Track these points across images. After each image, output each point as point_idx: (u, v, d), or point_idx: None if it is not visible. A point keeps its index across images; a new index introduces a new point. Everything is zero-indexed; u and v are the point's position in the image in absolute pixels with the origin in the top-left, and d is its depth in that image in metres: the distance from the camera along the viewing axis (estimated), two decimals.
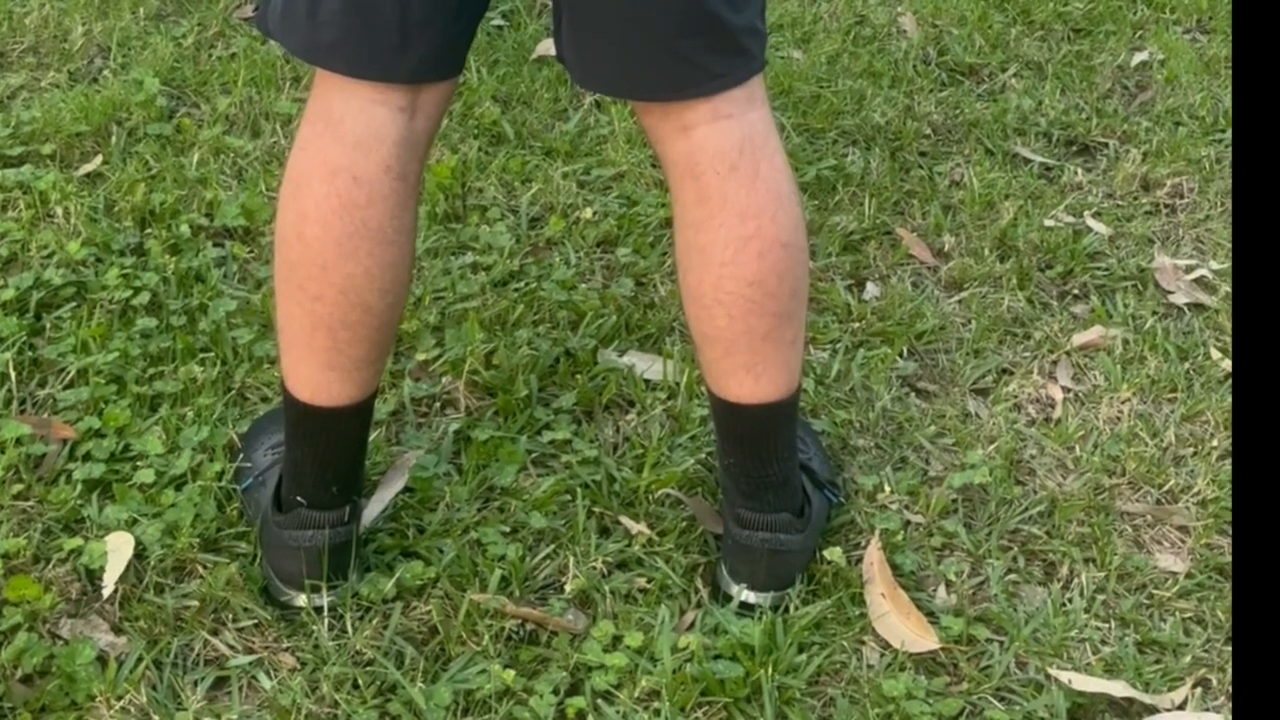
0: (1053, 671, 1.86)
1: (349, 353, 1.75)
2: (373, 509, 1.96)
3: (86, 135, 2.74)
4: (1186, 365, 2.42)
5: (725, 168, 1.72)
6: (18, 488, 1.98)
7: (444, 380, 2.24)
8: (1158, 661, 1.90)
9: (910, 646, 1.87)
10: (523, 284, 2.45)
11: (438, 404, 2.21)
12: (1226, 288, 2.62)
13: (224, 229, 2.54)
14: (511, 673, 1.77)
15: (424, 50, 1.66)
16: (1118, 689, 1.84)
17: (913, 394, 2.33)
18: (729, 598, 1.90)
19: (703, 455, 2.12)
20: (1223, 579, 2.04)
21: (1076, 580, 2.01)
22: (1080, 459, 2.22)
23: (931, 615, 1.92)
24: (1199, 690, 1.86)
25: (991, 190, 2.82)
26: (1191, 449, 2.25)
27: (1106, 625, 1.95)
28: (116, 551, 1.89)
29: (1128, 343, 2.46)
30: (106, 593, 1.85)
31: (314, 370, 1.77)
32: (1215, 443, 2.26)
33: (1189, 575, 2.03)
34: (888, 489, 2.11)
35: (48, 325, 2.27)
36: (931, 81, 3.21)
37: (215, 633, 1.83)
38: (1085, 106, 3.17)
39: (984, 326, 2.47)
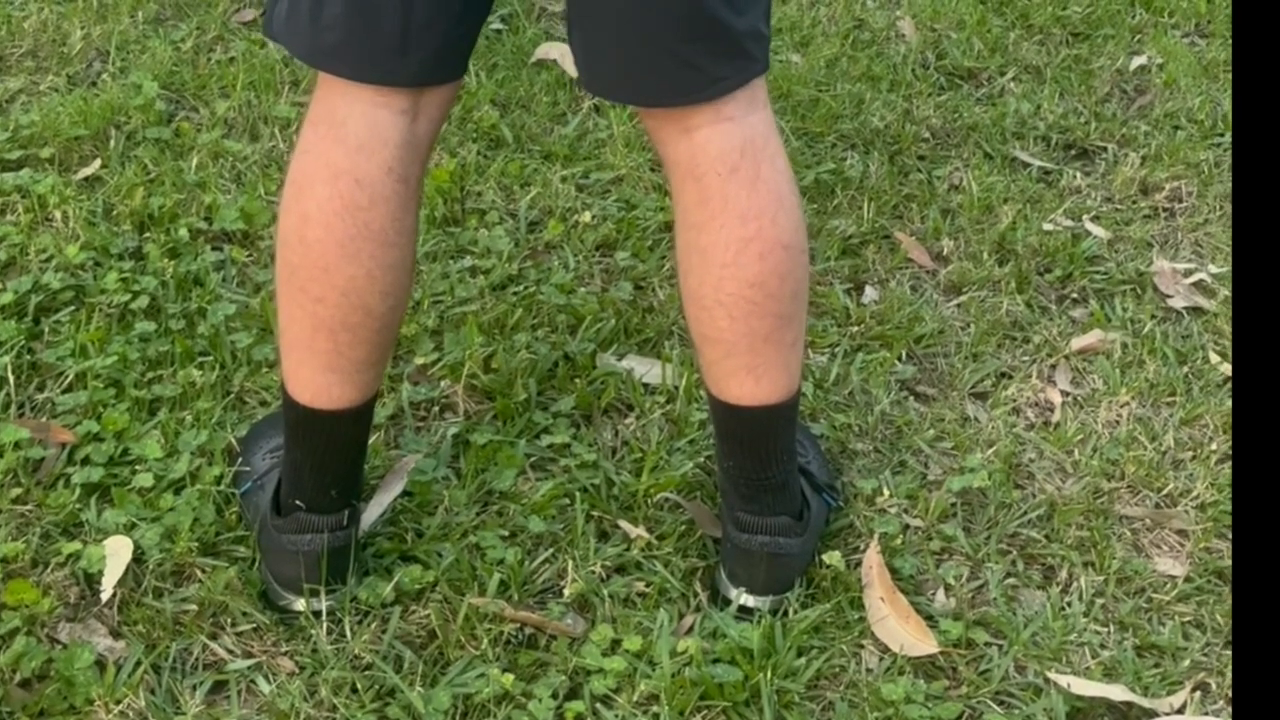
0: (1052, 675, 1.86)
1: (350, 355, 1.75)
2: (371, 513, 1.96)
3: (85, 139, 2.74)
4: (1185, 369, 2.42)
5: (726, 169, 1.72)
6: (16, 491, 1.98)
7: (443, 384, 2.24)
8: (1157, 665, 1.90)
9: (909, 650, 1.87)
10: (521, 288, 2.45)
11: (436, 408, 2.21)
12: (1225, 291, 2.62)
13: (223, 233, 2.54)
14: (510, 677, 1.77)
15: (426, 53, 1.67)
16: (1117, 693, 1.84)
17: (911, 398, 2.33)
18: (728, 601, 1.90)
19: (701, 459, 2.12)
20: (1221, 583, 2.04)
21: (1075, 584, 2.01)
22: (1079, 463, 2.22)
23: (930, 619, 1.92)
24: (1198, 694, 1.86)
25: (990, 194, 2.82)
26: (1190, 453, 2.25)
27: (1105, 629, 1.95)
28: (115, 555, 1.89)
29: (1126, 346, 2.46)
30: (105, 597, 1.85)
31: (315, 373, 1.77)
32: (1214, 446, 2.26)
33: (1188, 579, 2.03)
34: (887, 493, 2.11)
35: (46, 329, 2.27)
36: (930, 85, 3.21)
37: (214, 637, 1.83)
38: (1084, 110, 3.17)
39: (983, 330, 2.47)
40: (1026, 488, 2.18)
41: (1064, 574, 2.03)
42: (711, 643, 1.84)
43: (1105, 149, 3.05)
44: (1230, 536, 2.10)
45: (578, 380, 2.26)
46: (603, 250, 2.59)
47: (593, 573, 1.94)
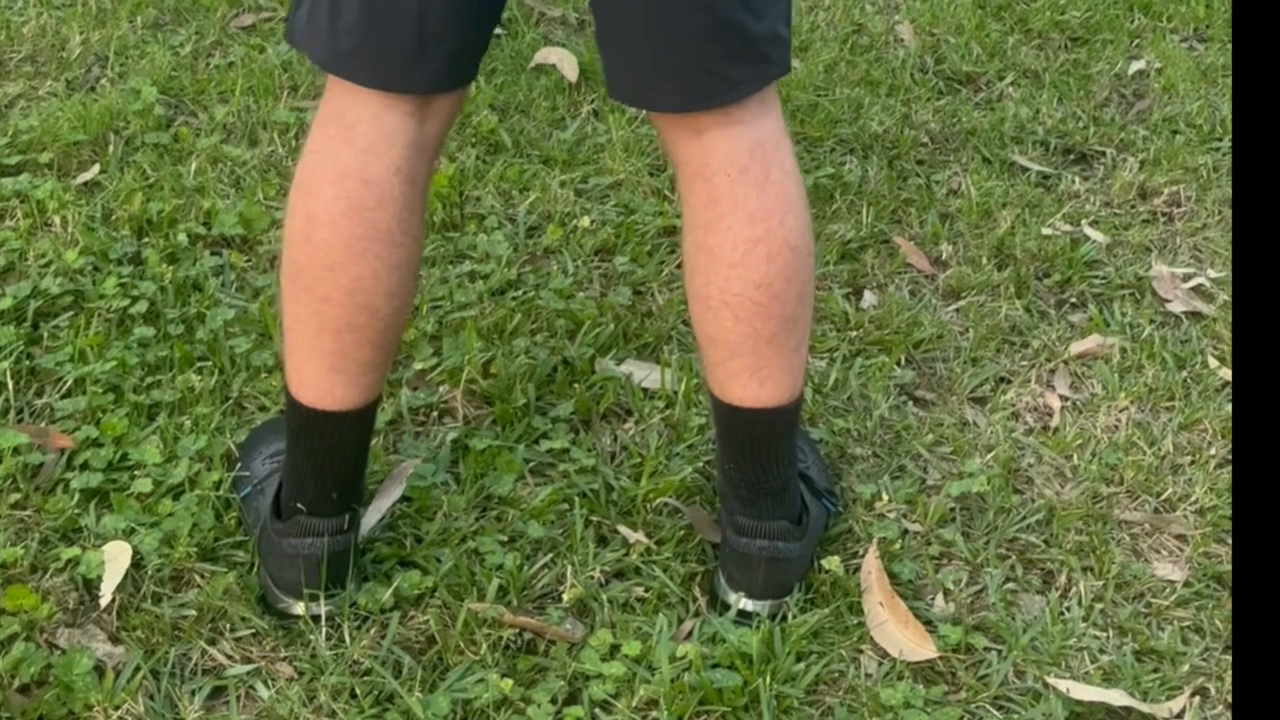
0: (1051, 680, 1.86)
1: (354, 356, 1.76)
2: (370, 518, 1.96)
3: (84, 144, 2.74)
4: (1184, 374, 2.42)
5: (736, 170, 1.73)
6: (15, 497, 1.98)
7: (441, 389, 2.24)
8: (1156, 670, 1.90)
9: (908, 655, 1.87)
10: (520, 293, 2.45)
11: (435, 413, 2.21)
12: (1224, 296, 2.62)
13: (221, 238, 2.54)
14: (509, 682, 1.77)
15: (441, 60, 1.68)
16: (1116, 698, 1.84)
17: (910, 402, 2.33)
18: (726, 606, 1.90)
19: (700, 464, 2.12)
20: (1220, 587, 2.04)
21: (1074, 589, 2.01)
22: (1078, 467, 2.22)
23: (929, 624, 1.92)
24: (1197, 699, 1.86)
25: (989, 199, 2.82)
26: (1189, 457, 2.25)
27: (1104, 634, 1.95)
28: (114, 561, 1.89)
29: (1125, 351, 2.46)
30: (104, 602, 1.85)
31: (319, 374, 1.77)
32: (1213, 451, 2.26)
33: (1187, 584, 2.03)
34: (885, 497, 2.11)
35: (45, 334, 2.27)
36: (929, 90, 3.21)
37: (213, 642, 1.83)
38: (1083, 115, 3.17)
39: (982, 335, 2.47)
40: (1025, 492, 2.18)
41: (1063, 579, 2.03)
42: (710, 648, 1.84)
43: (1104, 154, 3.05)
44: (1229, 541, 2.10)
45: (577, 385, 2.26)
46: (601, 255, 2.59)
47: (592, 578, 1.94)
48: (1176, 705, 1.84)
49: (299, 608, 1.84)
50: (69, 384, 2.17)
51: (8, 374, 2.16)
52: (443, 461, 2.10)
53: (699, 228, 1.78)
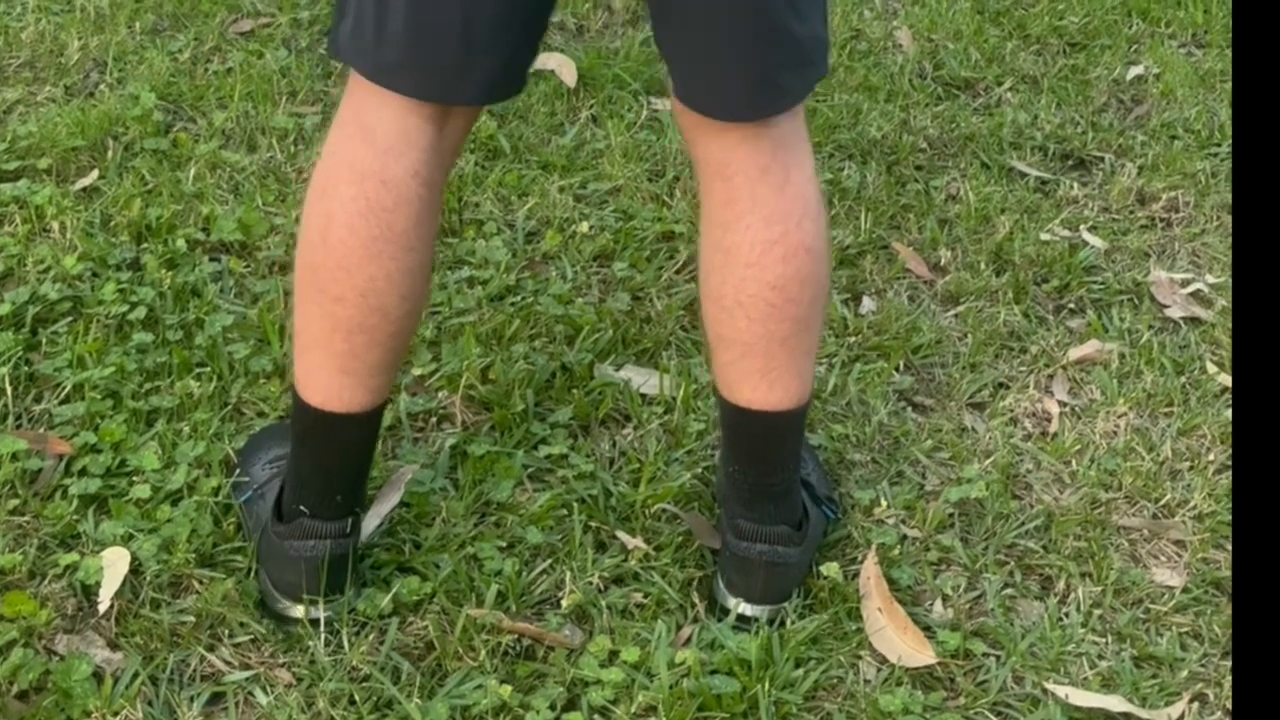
0: (1049, 686, 1.86)
1: (364, 358, 1.76)
2: (369, 524, 1.96)
3: (83, 150, 2.74)
4: (1183, 379, 2.42)
5: (756, 171, 1.73)
6: (13, 503, 1.98)
7: (440, 395, 2.24)
8: (1154, 676, 1.90)
9: (907, 661, 1.87)
10: (519, 298, 2.45)
11: (434, 419, 2.21)
12: (1222, 302, 2.62)
13: (220, 244, 2.54)
14: (508, 688, 1.77)
15: (487, 73, 1.68)
16: (1115, 704, 1.84)
17: (909, 408, 2.33)
18: (726, 610, 1.90)
19: (699, 470, 2.12)
20: (1219, 593, 2.04)
21: (1073, 595, 2.01)
22: (1077, 473, 2.22)
23: (928, 630, 1.92)
24: (1196, 705, 1.86)
25: (987, 204, 2.83)
26: (1188, 463, 2.25)
27: (1103, 640, 1.95)
28: (112, 567, 1.89)
29: (1124, 357, 2.46)
30: (102, 608, 1.85)
31: (329, 375, 1.77)
32: (1211, 457, 2.26)
33: (1185, 590, 2.03)
34: (884, 503, 2.11)
35: (44, 340, 2.27)
36: (927, 96, 3.21)
37: (211, 648, 1.83)
38: (1081, 120, 3.17)
39: (980, 341, 2.47)
40: (1024, 498, 2.18)
41: (1062, 584, 2.03)
42: (709, 654, 1.84)
43: (1102, 159, 3.05)
44: (1228, 547, 2.10)
45: (575, 391, 2.26)
46: (600, 261, 2.59)
47: (590, 584, 1.94)
48: (1175, 711, 1.84)
49: (298, 610, 1.84)
50: (67, 390, 2.17)
51: (6, 380, 2.16)
52: (441, 467, 2.10)
53: (717, 227, 1.78)
